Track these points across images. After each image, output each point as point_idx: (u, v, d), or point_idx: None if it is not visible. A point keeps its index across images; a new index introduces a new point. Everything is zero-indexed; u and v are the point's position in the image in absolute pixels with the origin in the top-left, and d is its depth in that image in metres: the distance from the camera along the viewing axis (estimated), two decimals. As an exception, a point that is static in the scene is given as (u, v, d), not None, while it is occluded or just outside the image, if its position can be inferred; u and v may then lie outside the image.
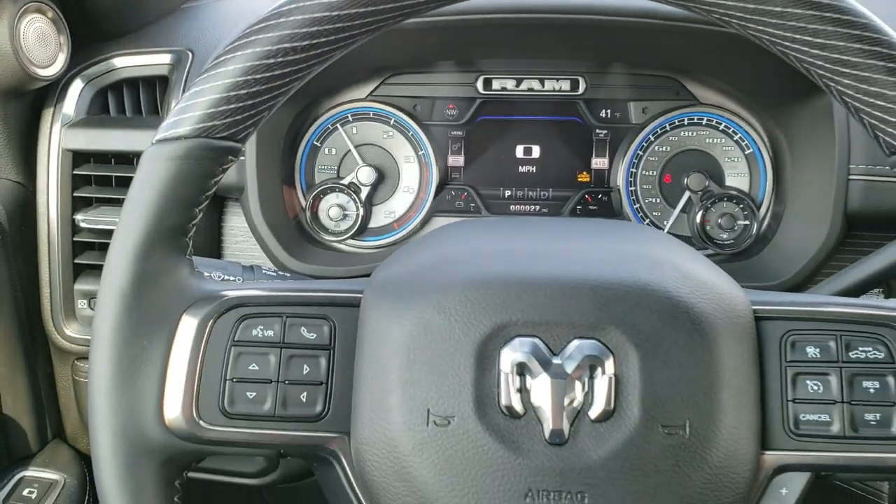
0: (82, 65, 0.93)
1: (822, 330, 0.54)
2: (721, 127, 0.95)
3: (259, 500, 1.03)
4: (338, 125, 0.97)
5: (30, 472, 0.96)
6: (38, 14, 0.86)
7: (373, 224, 0.97)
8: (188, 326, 0.54)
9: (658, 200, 0.96)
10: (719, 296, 0.54)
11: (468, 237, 0.59)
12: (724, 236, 0.93)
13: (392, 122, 0.97)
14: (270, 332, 0.55)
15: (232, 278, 0.71)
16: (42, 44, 0.87)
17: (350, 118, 0.97)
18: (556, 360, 0.51)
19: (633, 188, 0.96)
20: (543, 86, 0.96)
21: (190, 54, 0.93)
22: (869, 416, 0.52)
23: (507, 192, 0.98)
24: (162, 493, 0.53)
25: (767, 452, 0.53)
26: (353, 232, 0.95)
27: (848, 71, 0.50)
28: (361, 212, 0.95)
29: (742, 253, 0.93)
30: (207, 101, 0.52)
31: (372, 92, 0.97)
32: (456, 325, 0.52)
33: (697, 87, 0.94)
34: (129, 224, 0.52)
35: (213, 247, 0.93)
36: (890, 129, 0.51)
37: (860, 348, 0.53)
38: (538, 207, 0.98)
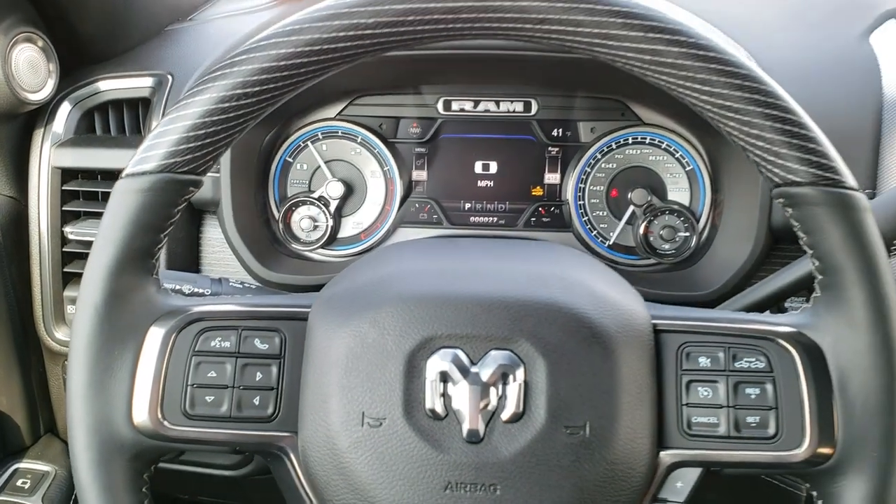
0: (70, 88, 1.01)
1: (713, 342, 0.61)
2: (663, 145, 1.02)
3: (237, 489, 1.10)
4: (308, 143, 1.04)
5: (23, 464, 1.04)
6: (29, 43, 0.94)
7: (342, 234, 1.05)
8: (154, 338, 0.61)
9: (605, 213, 1.03)
10: (621, 312, 0.61)
11: (403, 258, 0.66)
12: (666, 247, 1.00)
13: (359, 139, 1.04)
14: (227, 344, 0.62)
15: (201, 290, 0.79)
16: (32, 71, 0.94)
17: (320, 136, 1.04)
18: (473, 369, 0.59)
19: (581, 202, 1.03)
20: (499, 107, 1.03)
21: (170, 77, 1.00)
22: (750, 419, 0.59)
23: (468, 205, 1.05)
24: (132, 485, 0.60)
25: (664, 450, 0.60)
26: (323, 241, 1.03)
27: (732, 115, 0.57)
28: (331, 223, 1.02)
29: (683, 262, 1.00)
30: (170, 141, 0.59)
31: (340, 112, 1.04)
32: (388, 338, 0.59)
33: (641, 108, 1.01)
34: (101, 248, 0.59)
35: (192, 257, 1.01)
36: (770, 167, 0.58)
37: (745, 359, 0.60)
38: (496, 219, 1.05)
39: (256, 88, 0.58)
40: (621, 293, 0.64)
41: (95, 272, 0.59)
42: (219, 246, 1.01)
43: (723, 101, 0.57)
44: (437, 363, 0.59)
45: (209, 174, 0.96)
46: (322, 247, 1.03)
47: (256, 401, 0.62)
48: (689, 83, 0.57)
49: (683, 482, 0.61)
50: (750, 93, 0.56)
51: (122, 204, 0.59)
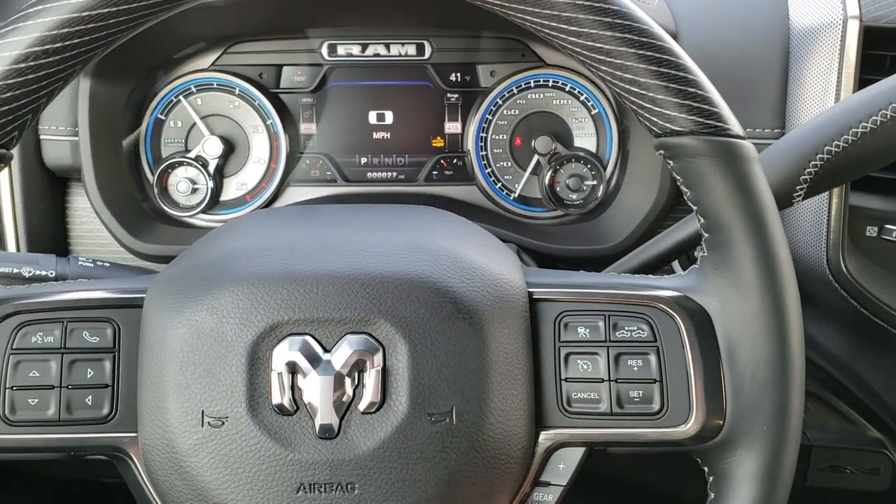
0: None
1: (593, 311, 0.56)
2: (567, 88, 0.95)
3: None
4: (181, 97, 0.94)
5: None
6: None
7: (225, 197, 0.96)
8: None
9: (509, 164, 0.96)
10: (491, 282, 0.55)
11: (247, 232, 0.59)
12: (573, 197, 0.94)
13: (237, 91, 0.94)
14: (50, 338, 0.55)
15: (44, 273, 0.70)
16: None
17: (193, 89, 0.94)
18: (325, 357, 0.52)
19: (484, 152, 0.96)
20: (389, 51, 0.94)
21: None
22: (633, 394, 0.55)
23: (363, 160, 0.97)
24: None
25: (543, 430, 0.55)
26: (204, 206, 0.94)
27: (603, 58, 0.51)
28: (211, 185, 0.93)
29: (590, 213, 0.95)
30: None
31: (214, 62, 0.94)
32: (228, 327, 0.53)
33: (543, 48, 0.94)
34: None
35: (57, 232, 0.92)
36: (647, 115, 0.52)
37: (626, 328, 0.55)
38: (395, 174, 0.97)
39: (58, 45, 0.49)
40: (494, 260, 0.57)
41: None
42: (88, 217, 0.92)
43: (592, 43, 0.50)
44: (285, 353, 0.52)
45: (67, 137, 0.88)
46: (203, 211, 0.94)
47: (89, 400, 0.55)
48: (555, 23, 0.50)
49: (564, 463, 0.56)
50: (622, 32, 0.50)
51: None
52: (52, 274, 0.71)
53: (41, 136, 0.88)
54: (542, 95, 0.95)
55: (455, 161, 0.97)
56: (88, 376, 0.55)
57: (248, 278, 0.53)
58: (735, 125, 0.52)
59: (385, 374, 0.52)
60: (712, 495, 0.54)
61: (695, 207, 0.54)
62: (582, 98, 0.95)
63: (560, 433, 0.55)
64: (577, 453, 0.56)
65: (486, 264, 0.56)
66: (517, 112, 0.95)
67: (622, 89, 0.51)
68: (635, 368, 0.55)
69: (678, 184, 0.54)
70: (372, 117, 0.96)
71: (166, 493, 0.54)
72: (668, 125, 0.51)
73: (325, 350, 0.53)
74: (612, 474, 0.91)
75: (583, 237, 0.92)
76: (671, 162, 0.53)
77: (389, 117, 0.96)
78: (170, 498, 0.54)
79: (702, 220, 0.54)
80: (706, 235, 0.54)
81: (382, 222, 0.60)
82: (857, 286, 0.77)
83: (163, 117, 0.95)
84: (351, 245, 0.56)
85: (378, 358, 0.52)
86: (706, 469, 0.56)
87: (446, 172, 0.97)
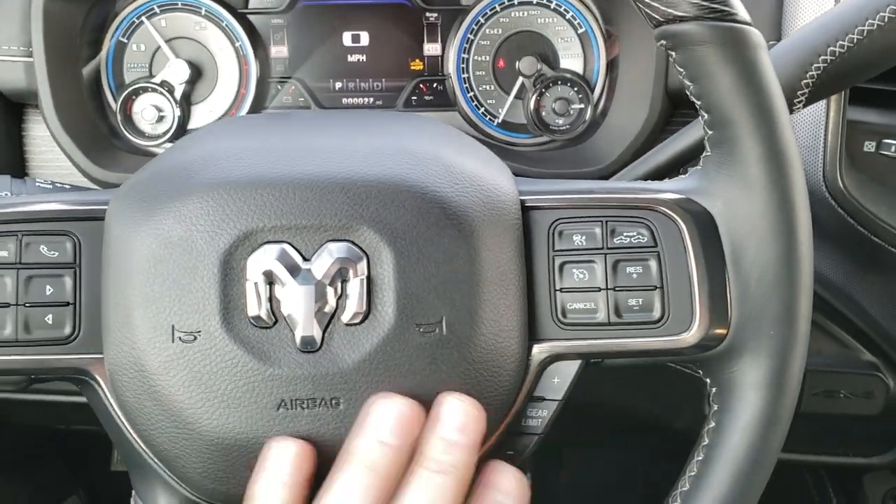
0: None
1: (589, 217, 0.53)
2: (552, 6, 0.90)
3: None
4: (144, 18, 0.88)
5: None
6: None
7: (193, 124, 0.91)
8: None
9: (493, 87, 0.92)
10: (481, 188, 0.52)
11: (219, 137, 0.54)
12: (560, 122, 0.90)
13: (203, 12, 0.89)
14: (4, 253, 0.51)
15: (-3, 193, 0.66)
16: None
17: (157, 10, 0.88)
18: (305, 266, 0.49)
19: (465, 75, 0.92)
20: (362, -34, 0.89)
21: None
22: (632, 302, 0.52)
23: (338, 84, 0.92)
24: None
25: (537, 343, 0.52)
26: (171, 134, 0.89)
27: None
28: (178, 112, 0.88)
29: (578, 138, 0.91)
30: None
31: (179, -21, 0.89)
32: (197, 235, 0.49)
33: (526, -38, 0.89)
34: None
35: (13, 159, 0.86)
36: (648, 0, 0.48)
37: (625, 233, 0.52)
38: (372, 99, 0.93)
39: None
40: (483, 166, 0.54)
41: None
42: (47, 145, 0.87)
43: None
44: (261, 261, 0.49)
45: (20, 58, 0.82)
46: (170, 140, 0.89)
47: (49, 319, 0.51)
48: None
49: (559, 377, 0.53)
50: None
51: None
52: (6, 194, 0.66)
53: (-9, 57, 0.82)
54: (526, 14, 0.90)
55: (435, 85, 0.93)
56: (48, 293, 0.51)
57: (218, 184, 0.49)
58: (741, 10, 0.48)
59: (370, 283, 0.49)
60: (715, 407, 0.52)
61: (698, 102, 0.50)
62: (568, 16, 0.90)
63: (554, 346, 0.52)
64: (572, 367, 0.53)
65: (476, 169, 0.53)
66: (500, 31, 0.91)
67: None
68: (634, 275, 0.52)
69: (680, 77, 0.51)
70: (346, 39, 0.91)
71: (135, 416, 0.51)
72: (670, 10, 0.48)
73: (305, 259, 0.49)
74: (601, 404, 0.89)
75: (569, 162, 0.88)
76: (673, 53, 0.49)
77: (365, 38, 0.91)
78: (139, 421, 0.50)
79: (705, 116, 0.51)
80: (710, 133, 0.51)
81: (362, 126, 0.56)
82: (854, 203, 0.74)
83: (125, 40, 0.89)
84: (329, 149, 0.52)
85: (362, 266, 0.49)
86: (708, 381, 0.53)
87: (426, 97, 0.93)
